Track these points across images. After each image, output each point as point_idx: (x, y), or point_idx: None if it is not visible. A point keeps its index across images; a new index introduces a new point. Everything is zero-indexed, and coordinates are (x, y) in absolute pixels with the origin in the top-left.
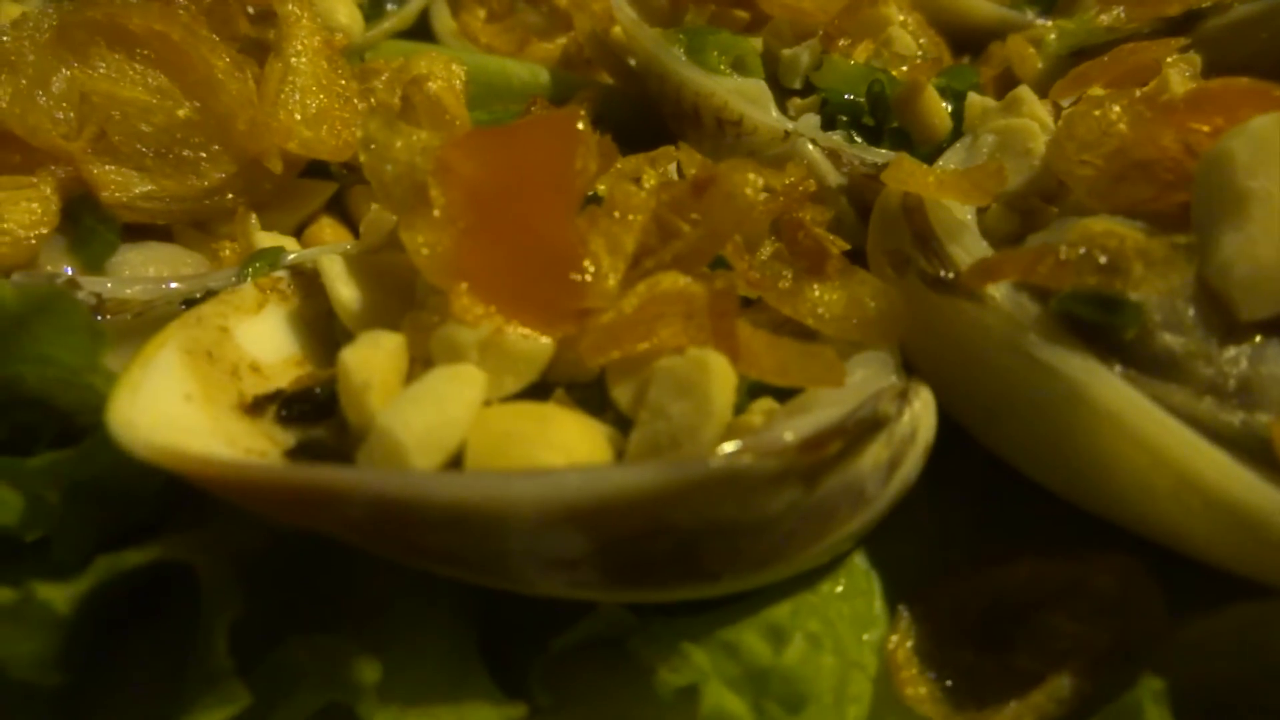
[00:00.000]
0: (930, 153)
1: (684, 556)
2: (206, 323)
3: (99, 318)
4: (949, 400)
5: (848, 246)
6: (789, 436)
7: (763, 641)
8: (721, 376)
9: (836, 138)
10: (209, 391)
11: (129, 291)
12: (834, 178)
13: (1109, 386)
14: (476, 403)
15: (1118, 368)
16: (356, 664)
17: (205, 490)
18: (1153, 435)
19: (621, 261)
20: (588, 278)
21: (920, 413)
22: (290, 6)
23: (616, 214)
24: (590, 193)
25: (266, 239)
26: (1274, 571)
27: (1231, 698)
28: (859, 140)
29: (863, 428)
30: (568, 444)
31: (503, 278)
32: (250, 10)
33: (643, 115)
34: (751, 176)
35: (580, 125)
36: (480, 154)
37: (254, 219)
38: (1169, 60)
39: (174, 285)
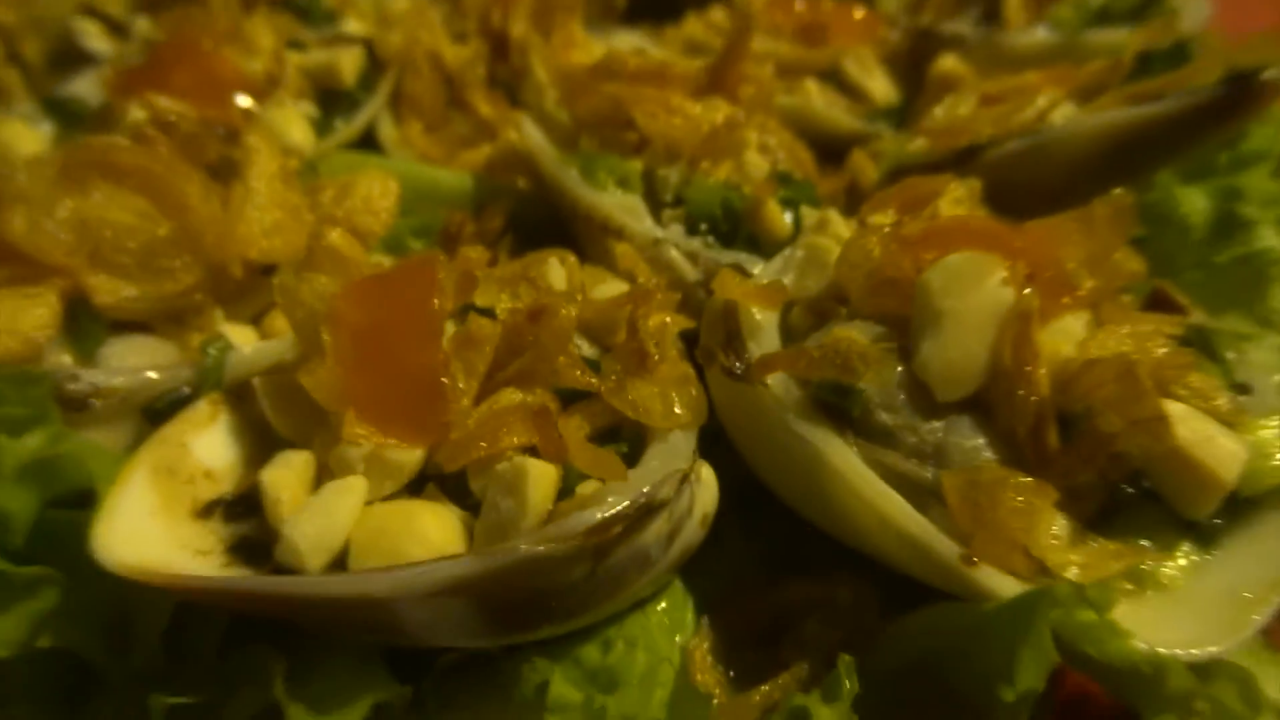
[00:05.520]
0: (773, 252)
1: (532, 610)
2: (170, 441)
3: (94, 402)
4: (750, 460)
5: (671, 353)
6: (579, 526)
7: (596, 650)
8: (537, 479)
9: (696, 243)
10: (169, 503)
11: (115, 381)
12: (692, 275)
13: (838, 452)
14: (358, 507)
15: (850, 437)
16: (275, 664)
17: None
18: (862, 488)
19: (475, 381)
20: (448, 398)
21: (699, 492)
22: (253, 139)
23: (471, 343)
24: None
25: (230, 329)
26: (941, 581)
27: (919, 675)
28: (714, 244)
29: (642, 511)
30: (427, 536)
31: (382, 402)
32: (221, 131)
33: (552, 215)
34: (568, 309)
35: (436, 270)
36: (361, 301)
37: (219, 312)
38: (950, 187)
39: (151, 375)
